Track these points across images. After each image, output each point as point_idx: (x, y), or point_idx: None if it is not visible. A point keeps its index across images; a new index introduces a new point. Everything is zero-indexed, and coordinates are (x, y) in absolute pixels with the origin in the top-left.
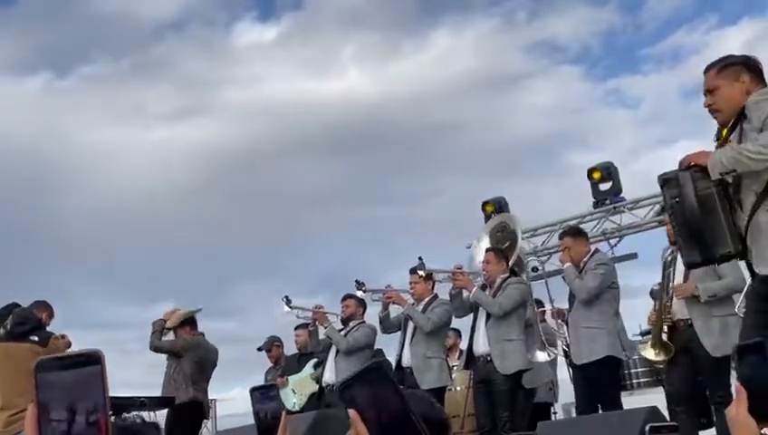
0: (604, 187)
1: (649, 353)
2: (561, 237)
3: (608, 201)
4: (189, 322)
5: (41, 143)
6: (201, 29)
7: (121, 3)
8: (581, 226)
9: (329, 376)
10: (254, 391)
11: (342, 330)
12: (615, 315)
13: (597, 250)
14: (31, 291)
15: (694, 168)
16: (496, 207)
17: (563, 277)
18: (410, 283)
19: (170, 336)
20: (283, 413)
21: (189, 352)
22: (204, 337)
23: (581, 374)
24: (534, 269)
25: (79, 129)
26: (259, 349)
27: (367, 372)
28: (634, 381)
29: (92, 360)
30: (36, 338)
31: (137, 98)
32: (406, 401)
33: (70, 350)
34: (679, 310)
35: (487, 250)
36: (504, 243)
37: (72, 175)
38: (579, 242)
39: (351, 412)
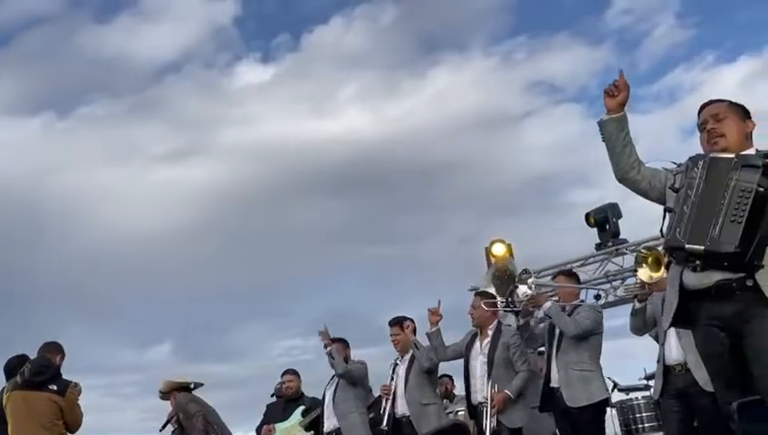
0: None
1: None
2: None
3: (610, 243)
4: (182, 388)
5: (40, 184)
6: (200, 70)
7: (121, 44)
8: (584, 268)
9: (329, 424)
10: None
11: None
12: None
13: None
14: (28, 333)
15: None
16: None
17: (546, 314)
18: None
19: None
20: None
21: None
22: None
23: (571, 418)
24: None
25: (78, 169)
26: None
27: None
28: (639, 425)
29: None
30: (55, 387)
31: (135, 138)
32: None
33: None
34: (675, 352)
35: (476, 293)
36: (507, 287)
37: (70, 216)
38: (571, 283)
39: None
